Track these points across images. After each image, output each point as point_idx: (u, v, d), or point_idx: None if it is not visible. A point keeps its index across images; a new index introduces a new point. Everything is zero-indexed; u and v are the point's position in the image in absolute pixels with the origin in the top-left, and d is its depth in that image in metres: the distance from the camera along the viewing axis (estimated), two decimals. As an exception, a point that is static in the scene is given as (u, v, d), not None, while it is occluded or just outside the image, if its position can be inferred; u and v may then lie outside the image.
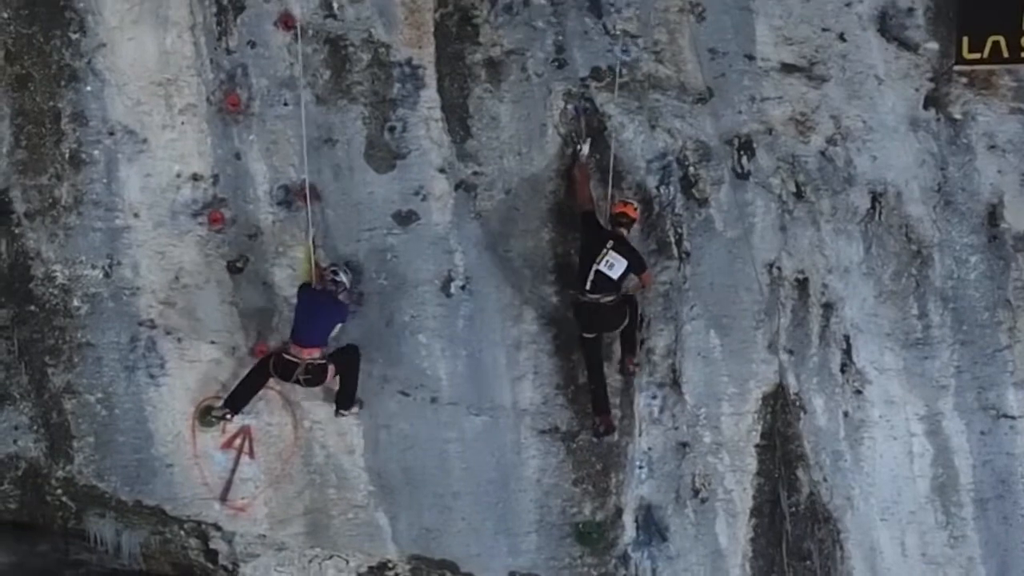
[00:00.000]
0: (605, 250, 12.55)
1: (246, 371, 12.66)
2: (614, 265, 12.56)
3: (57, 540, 13.31)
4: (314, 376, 12.42)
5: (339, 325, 12.48)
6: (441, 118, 12.95)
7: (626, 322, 12.79)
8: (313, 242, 12.72)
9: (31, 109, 12.62)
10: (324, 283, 12.49)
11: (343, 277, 12.51)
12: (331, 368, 12.46)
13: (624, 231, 12.72)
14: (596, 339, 12.89)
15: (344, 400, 12.70)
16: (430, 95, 12.92)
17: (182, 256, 12.79)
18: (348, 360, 12.58)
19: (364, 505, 13.09)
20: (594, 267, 12.55)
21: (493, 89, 12.99)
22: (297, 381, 12.44)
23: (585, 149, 12.96)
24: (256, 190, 12.83)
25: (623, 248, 12.63)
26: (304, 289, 12.49)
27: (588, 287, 12.57)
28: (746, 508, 13.40)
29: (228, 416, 12.61)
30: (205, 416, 12.82)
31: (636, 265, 12.69)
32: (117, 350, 12.80)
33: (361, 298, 12.86)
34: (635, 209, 12.84)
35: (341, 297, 12.53)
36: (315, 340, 12.37)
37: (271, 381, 12.70)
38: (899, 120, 13.20)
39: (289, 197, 12.81)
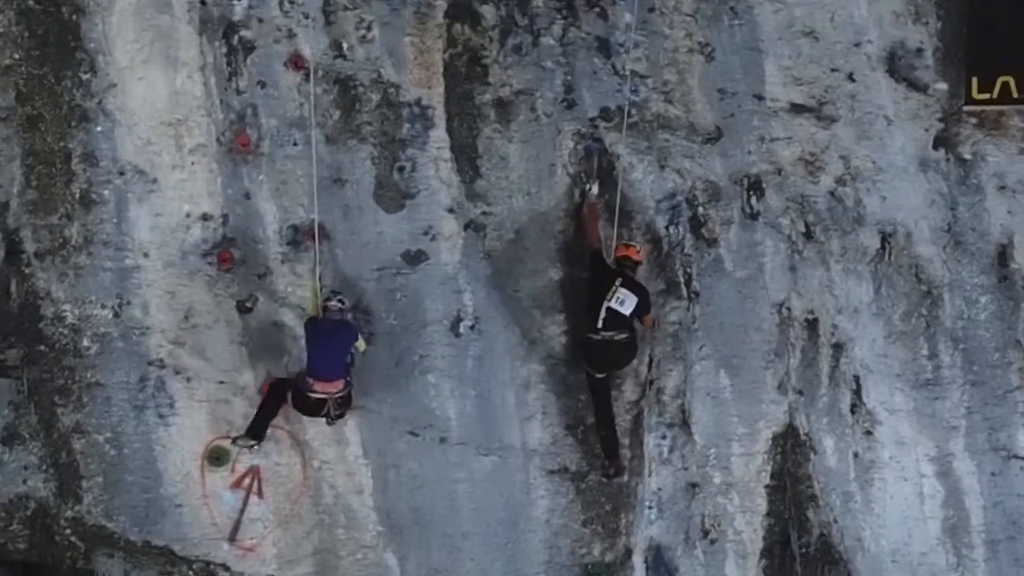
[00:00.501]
0: (615, 287, 12.55)
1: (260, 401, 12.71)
2: (624, 301, 12.56)
3: (66, 580, 13.31)
4: (343, 409, 12.47)
5: (354, 347, 12.47)
6: (450, 158, 12.98)
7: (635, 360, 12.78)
8: (320, 281, 12.72)
9: (42, 149, 12.65)
10: (328, 312, 12.46)
11: (343, 304, 12.47)
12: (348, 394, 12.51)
13: (630, 273, 12.72)
14: (605, 379, 12.88)
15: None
16: (439, 135, 12.95)
17: (192, 296, 12.80)
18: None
19: (373, 545, 13.07)
20: (605, 304, 12.54)
21: (502, 129, 13.02)
22: (327, 415, 12.45)
23: (595, 189, 12.97)
24: (266, 230, 12.85)
25: (633, 285, 12.63)
26: (311, 323, 12.49)
27: (600, 324, 12.56)
28: (756, 549, 13.38)
29: (255, 446, 12.63)
30: (216, 456, 12.81)
31: (643, 304, 12.67)
32: (126, 390, 12.80)
33: (370, 338, 12.85)
34: (637, 252, 12.85)
35: (347, 318, 12.52)
36: (337, 372, 12.37)
37: (280, 420, 12.71)
38: (909, 160, 13.21)
39: (298, 237, 12.83)
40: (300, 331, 12.64)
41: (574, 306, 13.03)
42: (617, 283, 12.58)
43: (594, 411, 12.95)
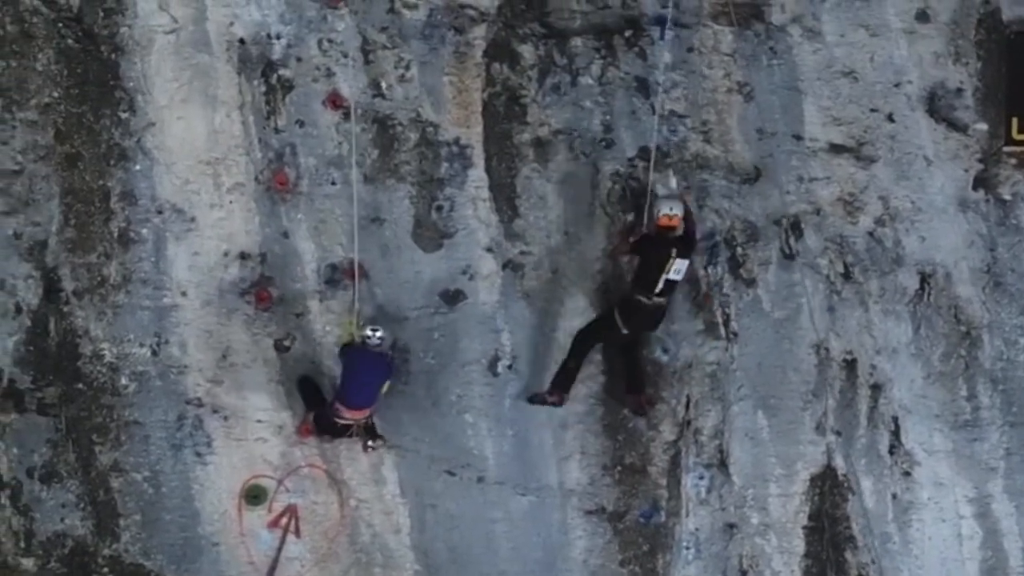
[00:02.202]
0: (671, 259, 12.44)
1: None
2: (681, 270, 12.49)
3: (103, 618, 13.31)
4: (370, 436, 12.57)
5: (388, 383, 12.47)
6: (489, 197, 12.97)
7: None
8: (357, 318, 12.72)
9: (80, 188, 12.66)
10: (369, 342, 12.39)
11: (382, 335, 12.40)
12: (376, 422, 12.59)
13: (676, 239, 12.54)
14: (635, 340, 12.84)
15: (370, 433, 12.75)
16: (478, 174, 12.95)
17: (229, 335, 12.80)
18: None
19: (410, 585, 13.10)
20: (663, 277, 12.43)
21: (541, 169, 13.02)
22: (350, 436, 12.52)
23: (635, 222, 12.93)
24: (304, 269, 12.84)
25: (686, 251, 12.51)
26: (352, 351, 12.43)
27: (657, 291, 12.45)
28: (794, 590, 13.38)
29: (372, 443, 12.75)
30: (254, 495, 12.82)
31: (692, 244, 12.62)
32: (164, 428, 12.80)
33: (407, 377, 12.86)
34: (677, 218, 12.54)
35: (384, 351, 12.51)
36: (368, 402, 12.38)
37: (317, 459, 12.77)
38: (948, 201, 13.20)
39: (336, 276, 12.83)
40: (338, 370, 12.63)
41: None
42: (673, 255, 12.42)
43: (620, 356, 12.85)
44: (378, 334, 12.37)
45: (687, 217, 12.68)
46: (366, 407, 12.40)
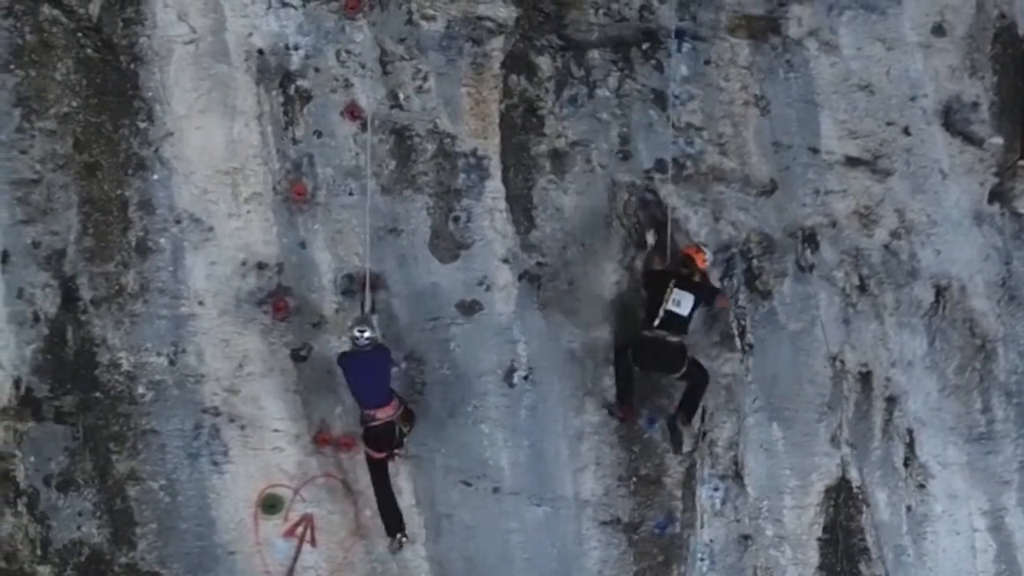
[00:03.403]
0: (669, 289, 12.49)
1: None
2: (681, 302, 12.50)
3: (119, 626, 13.35)
4: (410, 424, 12.59)
5: (394, 370, 12.50)
6: (505, 208, 13.01)
7: (684, 370, 12.68)
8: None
9: (99, 197, 12.70)
10: (357, 346, 12.42)
11: (369, 332, 12.35)
12: (406, 410, 12.55)
13: (686, 273, 12.61)
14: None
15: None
16: (495, 186, 12.99)
17: (246, 344, 12.83)
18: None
19: (425, 595, 13.13)
20: (663, 308, 12.49)
21: (557, 180, 13.05)
22: (400, 432, 12.53)
23: (651, 239, 12.97)
24: (321, 279, 12.88)
25: (686, 285, 12.55)
26: (343, 358, 12.44)
27: (657, 323, 12.49)
28: (808, 602, 13.41)
29: (404, 538, 12.85)
30: (270, 504, 12.86)
31: (707, 295, 12.65)
32: (181, 437, 12.83)
33: (423, 388, 12.89)
34: (702, 256, 12.67)
35: (380, 342, 12.48)
36: (385, 396, 12.38)
37: (333, 469, 12.80)
38: (963, 214, 13.24)
39: (353, 286, 12.86)
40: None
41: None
42: (671, 284, 12.51)
43: (621, 376, 12.86)
44: (365, 334, 12.30)
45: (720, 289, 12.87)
46: (386, 402, 12.38)
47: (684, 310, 12.52)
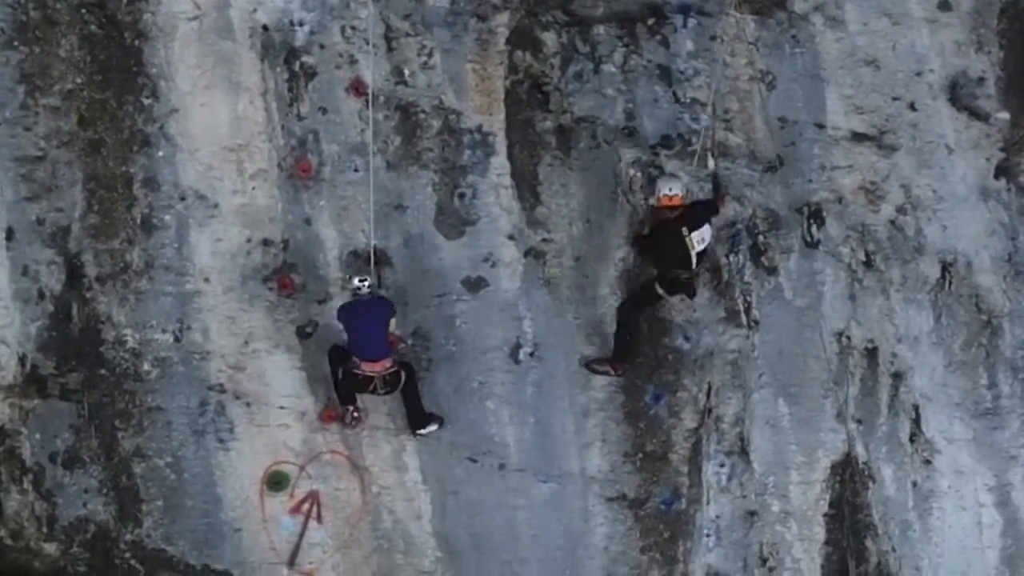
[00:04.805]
0: (685, 237, 12.45)
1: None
2: (703, 238, 12.52)
3: (125, 603, 13.35)
4: (391, 385, 12.49)
5: (393, 320, 12.48)
6: (511, 185, 12.99)
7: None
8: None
9: (103, 174, 12.67)
10: (358, 295, 12.39)
11: (369, 281, 12.38)
12: (403, 373, 12.51)
13: (686, 214, 12.49)
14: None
15: (415, 420, 12.75)
16: (500, 162, 12.97)
17: (252, 321, 12.82)
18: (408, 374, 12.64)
19: (431, 571, 13.07)
20: (692, 253, 12.48)
21: (563, 156, 13.04)
22: (374, 391, 12.48)
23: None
24: (326, 256, 12.87)
25: (690, 223, 12.47)
26: (343, 309, 12.44)
27: (694, 265, 12.53)
28: (814, 578, 13.41)
29: (355, 412, 12.71)
30: (276, 481, 12.86)
31: (709, 214, 12.60)
32: (186, 414, 12.82)
33: (429, 364, 12.88)
34: (673, 197, 12.43)
35: (379, 293, 12.51)
36: (381, 350, 12.38)
37: (340, 446, 12.78)
38: (969, 189, 13.24)
39: (359, 262, 12.84)
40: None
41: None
42: (684, 232, 12.44)
43: (634, 314, 12.81)
44: (366, 283, 12.32)
45: (715, 185, 12.78)
46: (381, 357, 12.36)
47: (706, 244, 12.54)
